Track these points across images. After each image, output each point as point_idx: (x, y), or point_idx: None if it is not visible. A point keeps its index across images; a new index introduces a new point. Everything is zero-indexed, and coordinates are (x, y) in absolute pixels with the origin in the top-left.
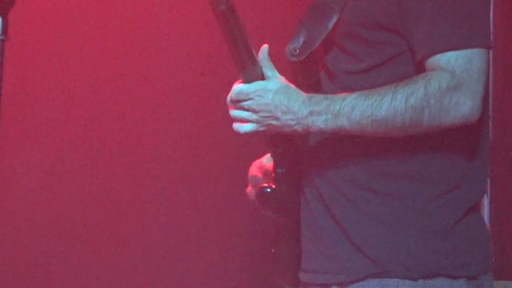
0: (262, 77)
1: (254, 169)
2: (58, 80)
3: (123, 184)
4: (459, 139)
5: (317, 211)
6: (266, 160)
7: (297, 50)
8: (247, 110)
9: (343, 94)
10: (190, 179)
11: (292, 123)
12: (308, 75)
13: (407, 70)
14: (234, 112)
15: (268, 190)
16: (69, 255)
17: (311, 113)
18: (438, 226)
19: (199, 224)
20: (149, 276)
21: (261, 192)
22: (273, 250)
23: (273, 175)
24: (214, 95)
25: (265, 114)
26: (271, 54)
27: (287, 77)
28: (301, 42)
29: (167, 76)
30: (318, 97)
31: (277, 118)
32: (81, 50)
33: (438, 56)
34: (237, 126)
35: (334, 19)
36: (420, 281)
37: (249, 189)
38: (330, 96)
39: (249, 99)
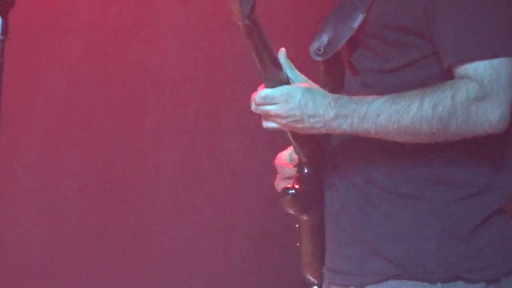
0: (287, 82)
1: (281, 160)
2: (58, 80)
3: (124, 184)
4: (485, 143)
5: (336, 211)
6: (291, 152)
7: (321, 50)
8: (273, 115)
9: (370, 98)
10: (191, 180)
11: (319, 125)
12: (332, 74)
13: (432, 72)
14: (264, 123)
15: (292, 191)
16: (69, 255)
17: (337, 115)
18: (459, 229)
19: (200, 224)
20: (151, 276)
21: (285, 193)
22: (298, 244)
23: (297, 174)
24: (216, 95)
25: (292, 118)
26: (295, 54)
27: (311, 77)
28: (325, 42)
29: (168, 76)
30: (344, 99)
31: (303, 121)
32: (81, 50)
33: (466, 65)
34: (264, 123)
35: (360, 19)
36: (439, 284)
37: (278, 180)
38: (356, 98)
39: (275, 103)
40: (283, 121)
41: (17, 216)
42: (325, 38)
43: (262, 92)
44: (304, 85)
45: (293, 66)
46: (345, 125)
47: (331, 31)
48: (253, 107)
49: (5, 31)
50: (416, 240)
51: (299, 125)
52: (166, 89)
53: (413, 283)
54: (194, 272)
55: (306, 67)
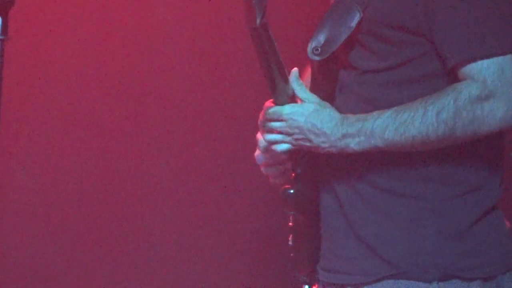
0: (293, 96)
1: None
2: (58, 80)
3: (123, 184)
4: (479, 141)
5: (332, 211)
6: None
7: (319, 49)
8: (280, 132)
9: (375, 113)
10: (190, 179)
11: (325, 145)
12: (327, 74)
13: (430, 70)
14: (268, 136)
15: (291, 191)
16: (69, 255)
17: (344, 135)
18: (454, 228)
19: (199, 224)
20: (149, 274)
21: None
22: (290, 243)
23: (292, 174)
24: (216, 95)
25: (298, 136)
26: (292, 53)
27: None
28: (322, 41)
29: (168, 76)
30: (350, 118)
31: (310, 140)
32: (81, 50)
33: (470, 65)
34: (273, 146)
35: (357, 18)
36: (435, 283)
37: (258, 153)
38: (362, 116)
39: (282, 120)
40: (290, 138)
41: (17, 216)
42: (322, 38)
43: (271, 109)
44: (313, 104)
45: (304, 86)
46: (353, 144)
47: (329, 30)
48: (260, 122)
49: (5, 31)
50: (412, 239)
51: (306, 143)
52: (166, 89)
53: (409, 282)
54: (194, 271)
55: (301, 66)
